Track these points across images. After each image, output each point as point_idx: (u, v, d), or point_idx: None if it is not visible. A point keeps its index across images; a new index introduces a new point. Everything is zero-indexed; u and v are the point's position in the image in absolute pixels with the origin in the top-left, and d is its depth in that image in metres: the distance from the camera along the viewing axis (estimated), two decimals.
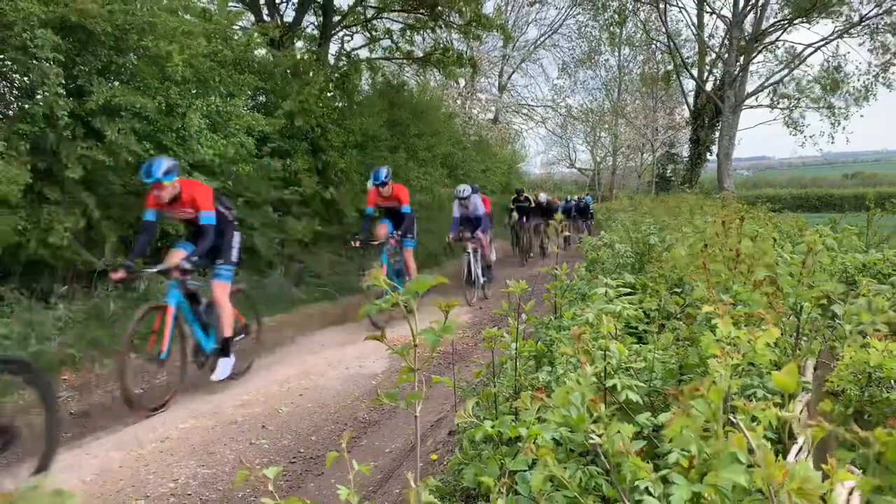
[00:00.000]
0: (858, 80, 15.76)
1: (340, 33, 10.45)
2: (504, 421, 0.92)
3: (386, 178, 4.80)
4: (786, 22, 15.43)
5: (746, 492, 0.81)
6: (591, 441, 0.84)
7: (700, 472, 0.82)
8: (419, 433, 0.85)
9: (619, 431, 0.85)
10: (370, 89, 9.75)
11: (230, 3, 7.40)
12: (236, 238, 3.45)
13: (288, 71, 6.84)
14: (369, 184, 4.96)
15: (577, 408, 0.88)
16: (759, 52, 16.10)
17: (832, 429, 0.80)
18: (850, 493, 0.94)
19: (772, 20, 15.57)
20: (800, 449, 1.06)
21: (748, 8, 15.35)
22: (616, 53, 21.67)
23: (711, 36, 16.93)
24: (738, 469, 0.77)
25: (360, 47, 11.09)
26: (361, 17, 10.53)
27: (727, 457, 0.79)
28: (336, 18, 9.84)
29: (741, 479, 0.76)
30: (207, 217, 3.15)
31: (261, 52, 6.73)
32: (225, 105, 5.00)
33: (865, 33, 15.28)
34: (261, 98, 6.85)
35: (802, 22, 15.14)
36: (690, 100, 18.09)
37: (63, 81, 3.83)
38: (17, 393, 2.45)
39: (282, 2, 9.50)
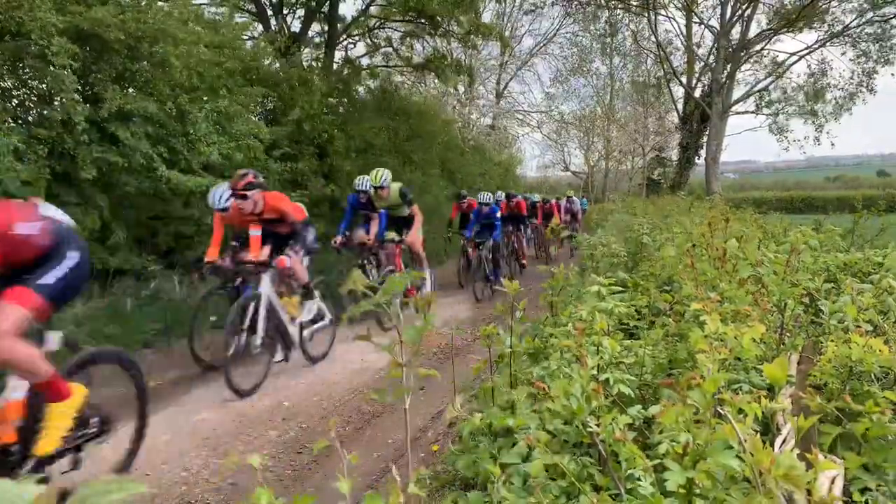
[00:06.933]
0: (841, 88, 16.30)
1: (344, 42, 10.63)
2: (493, 413, 0.94)
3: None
4: (771, 32, 15.89)
5: (734, 480, 0.84)
6: (588, 429, 0.86)
7: (693, 460, 0.84)
8: (409, 427, 0.86)
9: (614, 419, 0.87)
10: (367, 95, 9.85)
11: (239, 14, 7.54)
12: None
13: (296, 82, 6.98)
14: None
15: (576, 398, 0.91)
16: (746, 60, 16.55)
17: (820, 413, 0.83)
18: (833, 482, 0.98)
19: (758, 30, 16.06)
20: (784, 440, 1.10)
21: (735, 18, 15.78)
22: (607, 62, 22.09)
23: (699, 45, 17.36)
24: (730, 455, 0.80)
25: (362, 55, 11.29)
26: (364, 26, 10.72)
27: (719, 444, 0.82)
28: (340, 27, 9.98)
29: (733, 464, 0.79)
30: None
31: (268, 61, 6.92)
32: (231, 105, 5.12)
33: (847, 42, 15.80)
34: (269, 105, 7.01)
35: (787, 32, 15.60)
36: (679, 106, 18.48)
37: (79, 88, 4.01)
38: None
39: (289, 13, 9.62)
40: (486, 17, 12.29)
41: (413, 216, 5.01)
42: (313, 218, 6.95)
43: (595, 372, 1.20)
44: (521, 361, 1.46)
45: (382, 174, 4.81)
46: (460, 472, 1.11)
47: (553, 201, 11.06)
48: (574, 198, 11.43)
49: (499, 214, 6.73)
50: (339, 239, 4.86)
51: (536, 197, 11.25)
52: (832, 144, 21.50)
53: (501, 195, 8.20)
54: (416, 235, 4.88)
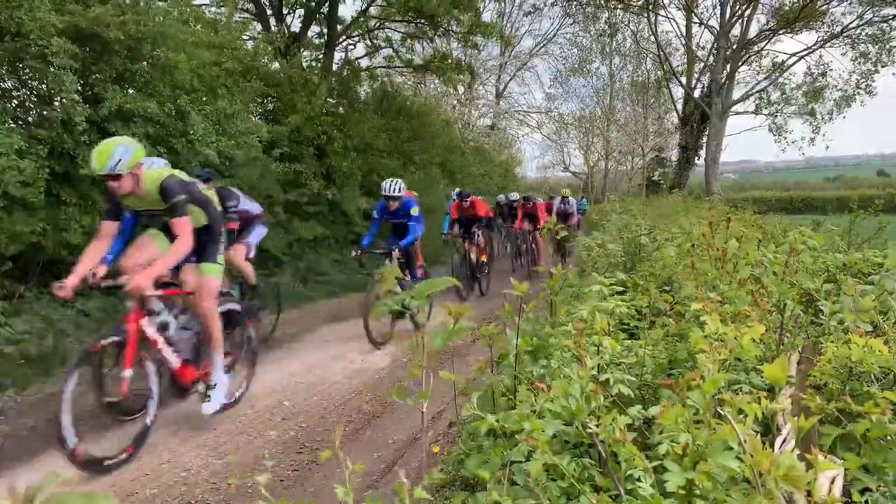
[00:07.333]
0: (840, 89, 16.32)
1: (344, 43, 10.64)
2: (508, 416, 0.94)
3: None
4: (770, 32, 15.92)
5: (734, 480, 0.84)
6: (588, 430, 0.86)
7: (693, 460, 0.84)
8: (425, 427, 0.86)
9: (614, 420, 0.87)
10: (368, 96, 9.87)
11: (238, 14, 7.58)
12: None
13: (295, 81, 7.00)
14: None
15: (575, 399, 0.91)
16: (745, 61, 16.59)
17: (820, 414, 0.84)
18: (832, 482, 0.98)
19: (757, 30, 16.09)
20: (784, 440, 1.10)
21: (734, 18, 15.82)
22: (607, 62, 22.14)
23: (700, 46, 17.39)
24: (730, 456, 0.80)
25: (362, 56, 11.32)
26: (364, 27, 10.74)
27: (719, 445, 0.82)
28: (339, 28, 9.99)
29: (733, 465, 0.79)
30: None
31: (266, 60, 6.93)
32: (230, 105, 5.13)
33: (847, 43, 15.84)
34: (269, 106, 7.06)
35: (787, 32, 15.63)
36: (679, 106, 18.50)
37: (79, 88, 4.01)
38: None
39: (288, 13, 9.63)
40: (486, 17, 12.28)
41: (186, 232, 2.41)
42: (313, 219, 7.04)
43: (595, 372, 1.20)
44: (521, 362, 1.46)
45: (116, 149, 2.34)
46: (461, 473, 1.10)
47: (537, 201, 8.67)
48: (570, 198, 9.41)
49: (415, 212, 4.51)
50: (98, 270, 2.45)
51: (515, 195, 9.12)
52: (826, 147, 21.60)
53: (456, 192, 6.74)
54: (163, 268, 2.37)
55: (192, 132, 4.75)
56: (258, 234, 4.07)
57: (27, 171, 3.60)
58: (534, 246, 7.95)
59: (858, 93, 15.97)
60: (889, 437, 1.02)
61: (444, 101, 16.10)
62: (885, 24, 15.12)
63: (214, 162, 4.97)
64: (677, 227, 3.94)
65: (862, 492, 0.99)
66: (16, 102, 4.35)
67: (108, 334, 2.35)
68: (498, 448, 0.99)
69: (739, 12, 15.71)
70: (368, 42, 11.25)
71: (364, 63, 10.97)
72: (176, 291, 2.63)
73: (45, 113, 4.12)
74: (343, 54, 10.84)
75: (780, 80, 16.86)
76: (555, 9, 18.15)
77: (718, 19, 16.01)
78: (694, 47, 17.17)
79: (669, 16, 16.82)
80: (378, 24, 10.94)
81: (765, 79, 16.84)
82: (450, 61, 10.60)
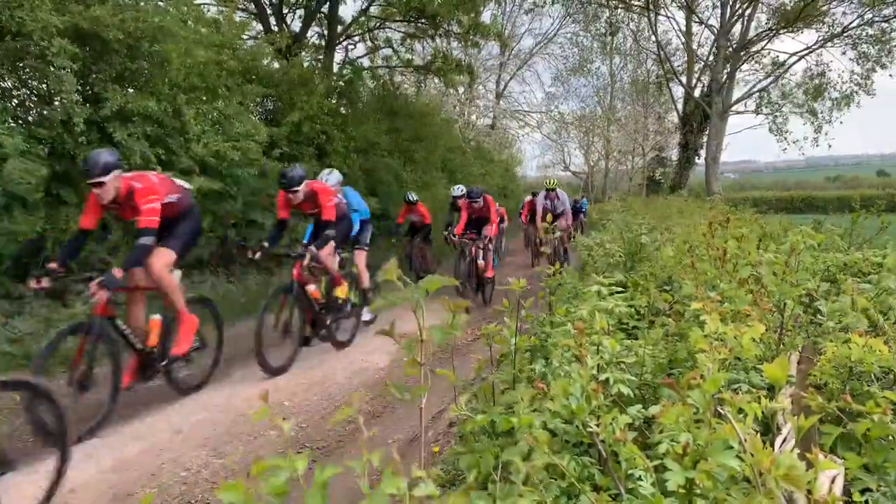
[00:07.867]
0: (840, 87, 16.32)
1: (344, 43, 10.67)
2: (495, 412, 0.94)
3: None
4: (771, 32, 15.92)
5: (735, 480, 0.84)
6: (589, 429, 0.86)
7: (693, 460, 0.84)
8: (424, 424, 0.86)
9: (614, 419, 0.87)
10: (369, 96, 9.87)
11: (239, 14, 7.61)
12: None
13: (295, 81, 7.00)
14: None
15: (576, 398, 0.91)
16: (746, 60, 16.59)
17: (821, 413, 0.83)
18: (833, 482, 0.98)
19: (758, 30, 16.09)
20: (784, 440, 1.10)
21: (734, 18, 15.81)
22: (607, 61, 22.14)
23: (700, 45, 17.39)
24: (730, 455, 0.80)
25: (362, 56, 11.34)
26: (364, 27, 10.76)
27: (719, 444, 0.82)
28: (340, 28, 10.01)
29: (733, 464, 0.79)
30: None
31: (266, 61, 6.94)
32: (229, 105, 5.12)
33: (847, 43, 15.83)
34: (269, 106, 7.06)
35: (787, 31, 15.63)
36: (679, 106, 18.50)
37: (79, 88, 4.03)
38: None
39: (289, 13, 9.66)
40: (486, 16, 12.28)
41: None
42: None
43: (595, 372, 1.20)
44: (521, 359, 1.46)
45: None
46: (461, 473, 1.11)
47: (488, 195, 5.64)
48: (559, 191, 6.78)
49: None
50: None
51: (458, 190, 6.31)
52: (829, 146, 21.57)
53: (333, 177, 4.28)
54: None
55: (189, 132, 4.76)
56: None
57: (37, 174, 3.61)
58: (480, 262, 5.22)
59: (857, 93, 15.98)
60: (890, 437, 1.02)
61: (444, 101, 16.12)
62: (886, 24, 15.10)
63: (210, 162, 4.96)
64: (677, 228, 3.94)
65: (862, 492, 0.99)
66: (16, 102, 4.36)
67: None
68: (493, 447, 0.99)
69: (740, 11, 15.71)
70: (369, 42, 11.28)
71: (364, 63, 11.00)
72: None
73: (45, 113, 4.12)
74: (343, 54, 10.89)
75: (781, 79, 16.86)
76: (556, 8, 18.15)
77: (719, 19, 16.02)
78: (694, 47, 17.17)
79: (669, 15, 16.83)
80: (378, 24, 10.96)
81: (766, 77, 16.83)
82: (450, 61, 10.62)
